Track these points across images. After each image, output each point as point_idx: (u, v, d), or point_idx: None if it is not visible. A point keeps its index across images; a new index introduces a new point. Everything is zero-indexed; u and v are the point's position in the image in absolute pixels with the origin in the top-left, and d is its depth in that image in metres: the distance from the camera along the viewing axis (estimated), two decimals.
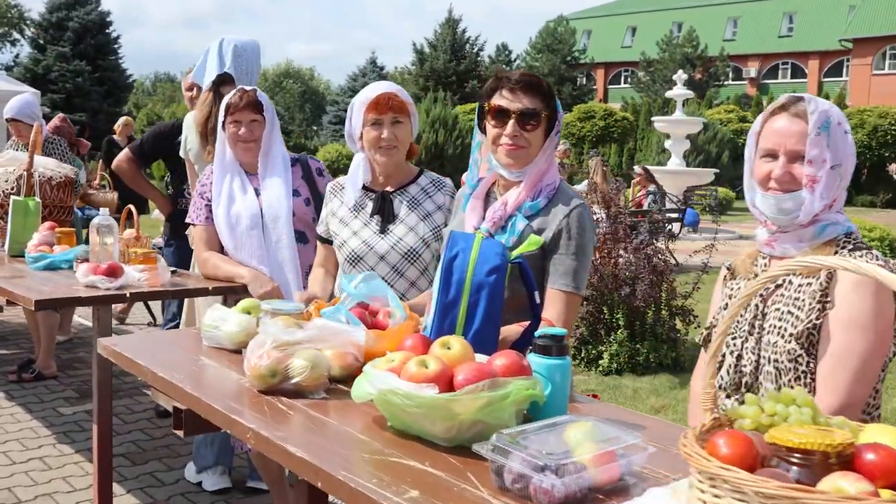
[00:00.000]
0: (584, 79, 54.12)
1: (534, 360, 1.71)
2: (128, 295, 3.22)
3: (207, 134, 3.90)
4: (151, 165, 5.75)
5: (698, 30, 48.85)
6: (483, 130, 2.57)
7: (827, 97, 33.22)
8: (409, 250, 2.88)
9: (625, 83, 56.12)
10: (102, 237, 3.40)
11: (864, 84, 45.31)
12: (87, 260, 3.42)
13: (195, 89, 4.67)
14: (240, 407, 1.76)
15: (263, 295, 3.40)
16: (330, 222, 3.04)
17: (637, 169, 15.40)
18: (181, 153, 4.51)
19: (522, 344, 2.00)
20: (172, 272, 3.54)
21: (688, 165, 22.49)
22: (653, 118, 23.33)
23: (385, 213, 2.94)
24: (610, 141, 33.23)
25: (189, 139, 4.39)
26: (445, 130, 25.74)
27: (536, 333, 1.77)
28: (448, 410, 1.51)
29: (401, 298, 2.91)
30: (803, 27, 51.31)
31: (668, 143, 20.95)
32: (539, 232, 2.42)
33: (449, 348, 1.66)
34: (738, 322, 2.10)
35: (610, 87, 57.69)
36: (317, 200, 3.60)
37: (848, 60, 48.25)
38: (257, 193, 3.52)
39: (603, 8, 61.93)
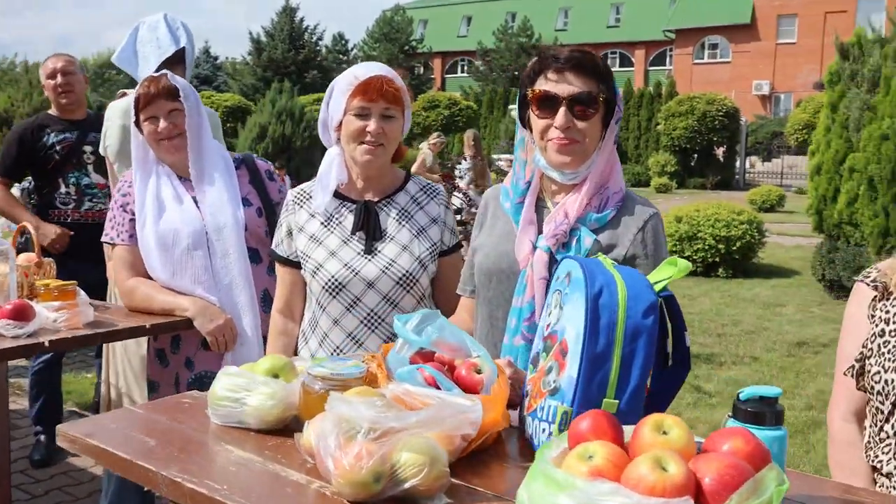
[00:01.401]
0: (422, 68, 54.12)
1: None
2: (46, 343, 2.45)
3: None
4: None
5: (532, 20, 49.92)
6: (525, 125, 2.08)
7: (659, 84, 34.68)
8: (404, 274, 2.34)
9: (462, 72, 56.80)
10: None
11: (687, 72, 47.70)
12: None
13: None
14: None
15: (215, 330, 2.75)
16: (296, 240, 2.44)
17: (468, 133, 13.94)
18: (101, 149, 3.76)
19: (657, 399, 1.53)
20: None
21: None
22: (509, 106, 23.41)
23: (370, 229, 2.38)
24: (455, 130, 33.22)
25: (109, 133, 3.63)
26: (292, 122, 24.73)
27: (743, 395, 1.32)
28: None
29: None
30: (630, 18, 53.43)
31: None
32: (608, 249, 1.96)
33: (665, 432, 1.17)
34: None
35: (447, 76, 58.11)
36: (269, 211, 2.98)
37: (671, 50, 50.68)
38: (196, 203, 2.86)
39: None
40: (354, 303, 2.34)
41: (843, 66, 9.40)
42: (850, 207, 9.02)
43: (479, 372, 1.59)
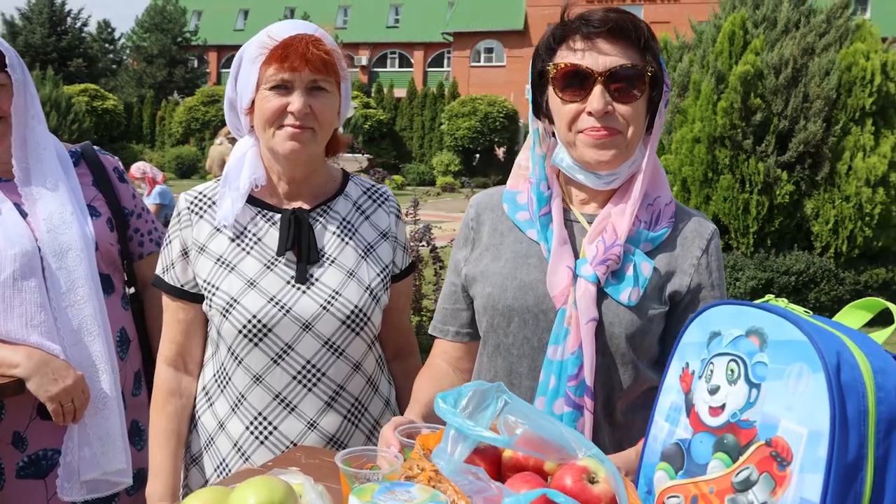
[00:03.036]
0: (197, 62, 51.54)
1: None
2: None
3: None
4: None
5: (312, 16, 48.95)
6: (540, 113, 1.58)
7: (442, 86, 35.10)
8: (353, 311, 1.75)
9: None
10: None
11: (465, 75, 48.76)
12: None
13: None
14: None
15: (60, 394, 1.99)
16: (195, 263, 1.79)
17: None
18: None
19: None
20: None
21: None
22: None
23: (303, 248, 1.76)
24: None
25: None
26: (58, 114, 22.40)
27: None
28: None
29: (352, 403, 1.81)
30: (409, 19, 53.84)
31: None
32: (668, 277, 1.50)
33: None
34: None
35: (223, 70, 55.84)
36: (121, 223, 2.24)
37: (449, 52, 51.64)
38: (23, 214, 2.07)
39: None
40: (284, 352, 1.72)
41: None
42: None
43: (592, 481, 1.05)
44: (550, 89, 1.53)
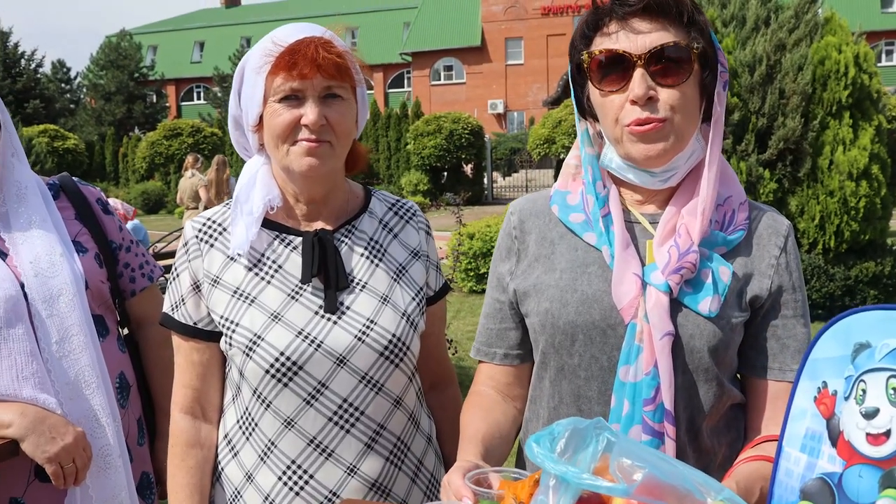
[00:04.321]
0: (156, 96, 51.10)
1: None
2: None
3: None
4: None
5: None
6: (584, 111, 1.43)
7: (405, 105, 34.99)
8: (391, 340, 1.58)
9: (199, 99, 54.65)
10: None
11: (426, 94, 48.80)
12: None
13: None
14: None
15: (59, 454, 1.78)
16: (209, 297, 1.61)
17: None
18: None
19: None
20: None
21: None
22: None
23: (329, 273, 1.59)
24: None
25: None
26: None
27: None
28: None
29: (395, 444, 1.64)
30: (365, 41, 53.82)
31: None
32: (746, 281, 1.35)
33: None
34: None
35: (183, 103, 55.51)
36: (109, 258, 2.05)
37: (409, 72, 51.66)
38: (2, 255, 1.87)
39: (167, 23, 59.60)
40: (318, 391, 1.55)
41: None
42: None
43: None
44: (590, 83, 1.38)
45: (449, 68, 49.93)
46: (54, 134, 31.48)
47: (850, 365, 0.92)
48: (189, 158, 12.25)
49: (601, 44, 1.35)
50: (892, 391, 0.86)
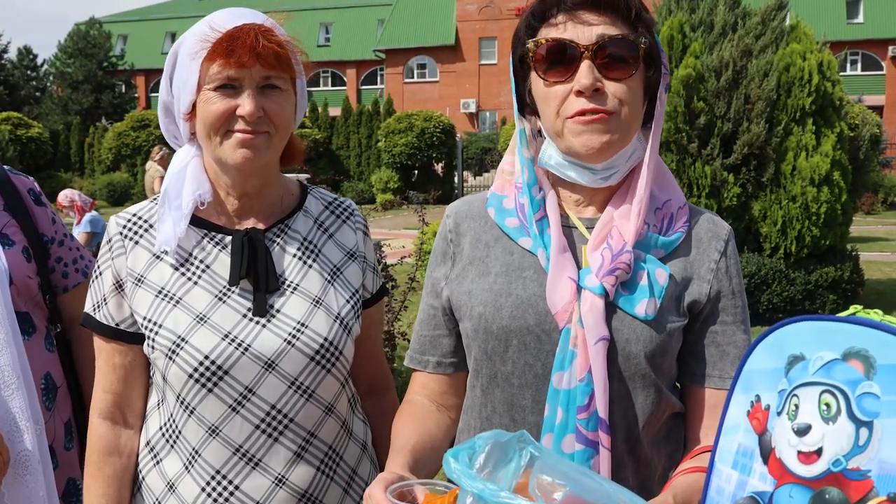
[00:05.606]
0: (125, 87, 50.43)
1: None
2: None
3: None
4: None
5: None
6: (524, 108, 1.38)
7: (377, 102, 34.88)
8: (322, 345, 1.51)
9: None
10: None
11: (399, 91, 48.66)
12: None
13: None
14: None
15: None
16: (132, 297, 1.53)
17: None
18: None
19: None
20: None
21: None
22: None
23: (259, 274, 1.52)
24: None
25: None
26: None
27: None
28: None
29: (326, 452, 1.57)
30: (339, 38, 53.58)
31: None
32: (685, 285, 1.30)
33: None
34: None
35: (153, 94, 54.83)
36: (40, 252, 1.96)
37: (382, 70, 51.49)
38: None
39: (138, 12, 58.86)
40: (244, 397, 1.47)
41: None
42: None
43: None
44: (533, 74, 1.33)
45: (422, 66, 49.84)
46: (18, 122, 30.88)
47: (784, 378, 0.87)
48: (155, 149, 12.09)
49: (547, 34, 1.31)
50: (824, 407, 0.81)
